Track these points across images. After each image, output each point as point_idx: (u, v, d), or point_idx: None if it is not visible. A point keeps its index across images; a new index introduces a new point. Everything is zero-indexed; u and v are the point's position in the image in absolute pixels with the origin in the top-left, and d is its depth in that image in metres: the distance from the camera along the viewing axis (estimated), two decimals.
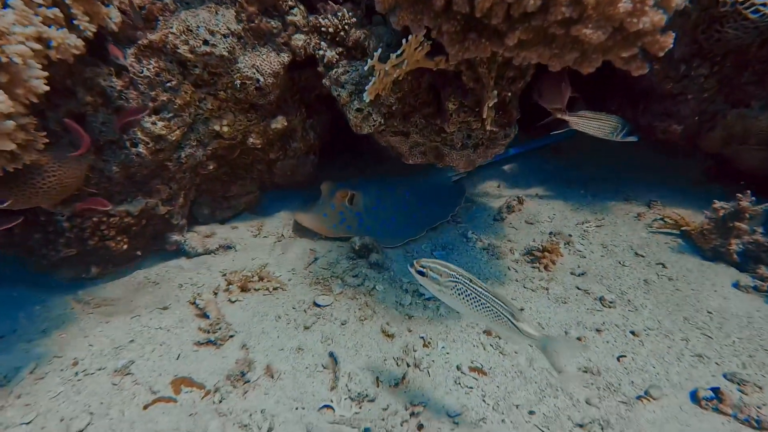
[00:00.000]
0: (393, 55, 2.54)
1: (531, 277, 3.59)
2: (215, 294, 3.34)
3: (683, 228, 3.79)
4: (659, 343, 2.83)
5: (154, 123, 3.01)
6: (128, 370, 2.60)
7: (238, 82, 3.22)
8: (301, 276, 3.64)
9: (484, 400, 2.56)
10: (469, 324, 3.14)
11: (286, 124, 3.81)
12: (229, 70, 3.19)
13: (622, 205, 4.50)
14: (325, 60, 3.26)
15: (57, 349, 2.76)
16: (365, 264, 3.72)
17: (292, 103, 3.99)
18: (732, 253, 3.44)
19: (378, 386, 2.64)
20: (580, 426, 2.37)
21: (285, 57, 3.41)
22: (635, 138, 3.46)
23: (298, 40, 3.41)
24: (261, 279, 3.49)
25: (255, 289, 3.40)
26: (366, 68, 2.73)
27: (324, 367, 2.75)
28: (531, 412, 2.46)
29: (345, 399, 2.54)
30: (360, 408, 2.50)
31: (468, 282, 2.12)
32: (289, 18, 3.40)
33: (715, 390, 2.44)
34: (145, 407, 2.43)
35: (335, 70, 3.24)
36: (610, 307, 3.19)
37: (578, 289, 3.42)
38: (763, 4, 3.02)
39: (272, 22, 3.38)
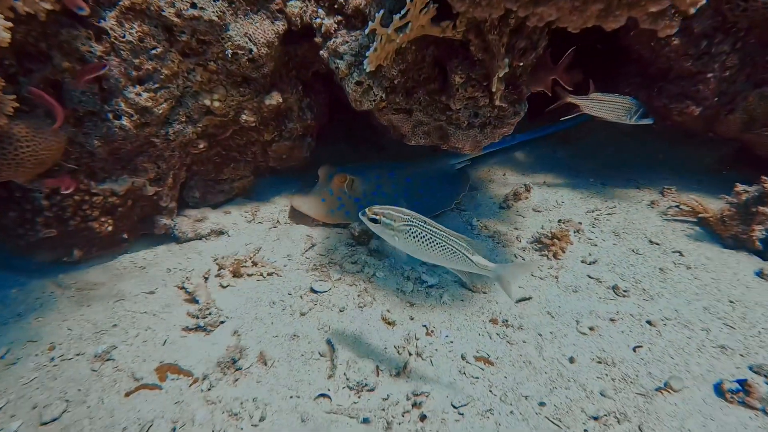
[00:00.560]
0: (396, 17, 2.38)
1: (539, 265, 3.46)
2: (205, 279, 3.21)
3: (701, 215, 3.65)
4: (678, 333, 2.70)
5: (138, 94, 2.85)
6: (109, 356, 2.48)
7: (230, 51, 3.06)
8: (298, 262, 3.51)
9: (491, 391, 2.44)
10: (473, 312, 3.02)
11: (281, 100, 3.65)
12: (219, 37, 3.02)
13: (634, 193, 4.37)
14: (323, 29, 3.10)
15: (33, 333, 2.62)
16: (365, 251, 3.61)
17: (288, 80, 3.83)
18: (754, 241, 3.31)
19: (378, 375, 2.53)
20: (595, 419, 2.24)
21: (280, 26, 3.25)
22: (650, 120, 3.32)
23: (294, 7, 3.25)
24: (255, 264, 3.36)
25: (248, 275, 3.28)
26: (367, 31, 2.57)
27: (321, 355, 2.64)
28: (541, 404, 2.34)
29: (343, 388, 2.44)
30: (359, 397, 2.39)
31: (422, 224, 2.16)
32: None
33: (742, 382, 2.31)
34: (127, 394, 2.31)
35: (333, 40, 3.08)
36: (624, 296, 3.06)
37: (589, 277, 3.29)
38: None
39: None
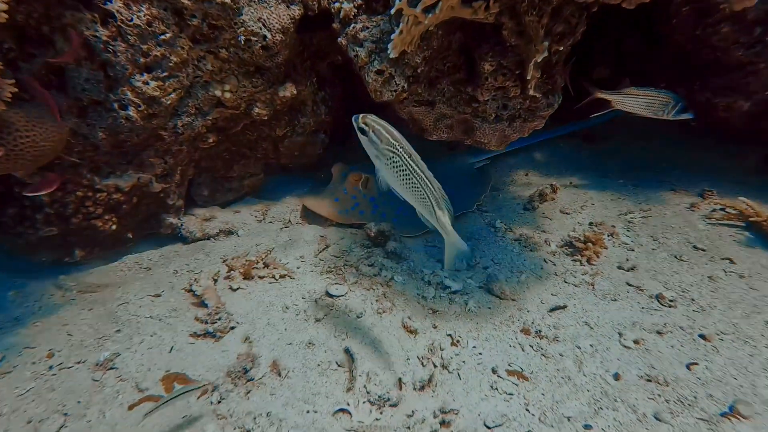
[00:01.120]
0: None
1: (572, 271, 3.27)
2: (215, 281, 3.06)
3: (751, 219, 3.41)
4: (738, 350, 2.47)
5: (146, 82, 2.71)
6: (112, 364, 2.33)
7: (243, 38, 2.91)
8: (311, 264, 3.36)
9: (527, 410, 2.25)
10: (503, 321, 2.83)
11: (295, 92, 3.50)
12: (231, 22, 2.88)
13: (670, 195, 4.15)
14: (342, 14, 2.94)
15: (30, 339, 2.49)
16: (381, 253, 3.44)
17: (302, 71, 3.68)
18: None
19: (401, 389, 2.35)
20: None
21: (296, 10, 3.10)
22: (690, 115, 3.10)
23: None
24: (266, 266, 3.21)
25: (259, 277, 3.13)
26: (393, 11, 2.41)
27: (339, 365, 2.47)
28: (587, 426, 2.13)
29: (363, 402, 2.27)
30: (381, 413, 2.23)
31: (406, 157, 2.10)
32: None
33: None
34: (131, 407, 2.17)
35: (353, 25, 2.92)
36: (670, 306, 2.84)
37: (629, 285, 3.08)
38: None
39: None
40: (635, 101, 3.22)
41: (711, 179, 4.20)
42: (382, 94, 3.06)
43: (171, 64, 2.78)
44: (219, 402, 2.21)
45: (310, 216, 3.98)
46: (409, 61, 2.87)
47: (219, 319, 2.65)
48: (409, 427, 2.15)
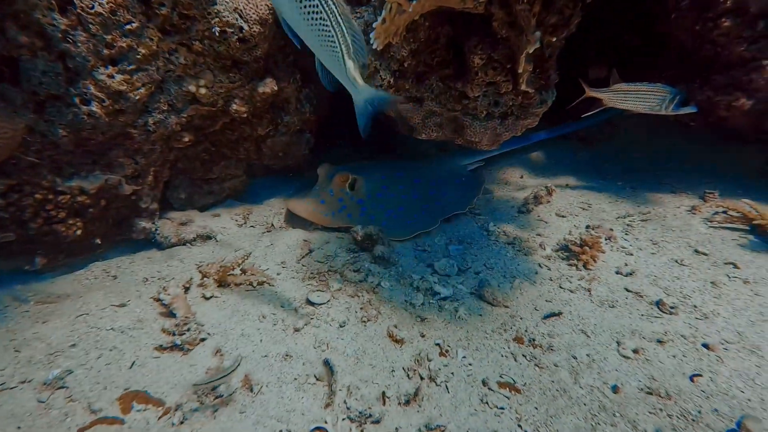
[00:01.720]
0: None
1: (568, 276, 3.17)
2: (186, 289, 2.91)
3: (755, 222, 3.33)
4: (744, 360, 2.36)
5: (110, 75, 2.58)
6: (62, 383, 2.16)
7: (217, 29, 2.79)
8: (293, 270, 3.22)
9: (519, 425, 2.13)
10: (494, 329, 2.72)
11: (275, 88, 3.39)
12: (205, 12, 2.76)
13: (669, 198, 4.08)
14: None
15: None
16: (368, 257, 3.32)
17: (285, 66, 3.57)
18: None
19: (384, 404, 2.23)
20: None
21: None
22: (692, 108, 3.02)
23: None
24: (243, 272, 3.07)
25: (236, 284, 2.99)
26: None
27: (317, 379, 2.34)
28: None
29: (343, 419, 2.15)
30: (362, 431, 2.06)
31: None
32: None
33: None
34: None
35: None
36: (671, 313, 2.73)
37: (627, 291, 2.98)
38: None
39: None
40: (626, 97, 3.14)
41: (711, 182, 4.14)
42: None
43: (139, 57, 2.65)
44: (181, 423, 2.05)
45: (294, 220, 3.85)
46: (395, 54, 2.78)
47: (188, 330, 2.50)
48: None
